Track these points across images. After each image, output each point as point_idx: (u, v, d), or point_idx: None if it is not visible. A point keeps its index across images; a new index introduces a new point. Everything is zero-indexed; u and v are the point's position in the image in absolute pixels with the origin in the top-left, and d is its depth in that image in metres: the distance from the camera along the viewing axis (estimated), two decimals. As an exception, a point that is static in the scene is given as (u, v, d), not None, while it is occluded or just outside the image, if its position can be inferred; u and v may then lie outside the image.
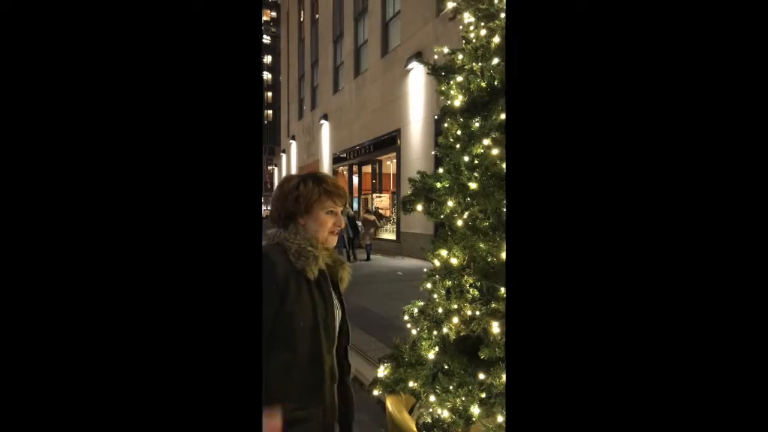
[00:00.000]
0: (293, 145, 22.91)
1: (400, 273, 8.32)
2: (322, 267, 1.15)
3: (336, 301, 1.22)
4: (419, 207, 1.87)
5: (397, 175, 11.95)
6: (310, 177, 1.22)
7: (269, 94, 52.85)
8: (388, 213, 13.89)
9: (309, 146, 19.93)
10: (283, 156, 26.02)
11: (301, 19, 21.52)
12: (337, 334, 1.21)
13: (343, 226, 1.26)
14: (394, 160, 12.23)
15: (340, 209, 1.22)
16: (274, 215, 1.23)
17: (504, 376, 1.51)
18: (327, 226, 1.19)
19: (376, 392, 1.97)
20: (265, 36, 53.52)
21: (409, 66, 10.64)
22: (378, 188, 14.48)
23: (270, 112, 52.19)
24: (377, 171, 14.37)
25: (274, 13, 51.76)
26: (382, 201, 14.34)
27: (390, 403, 1.90)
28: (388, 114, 12.13)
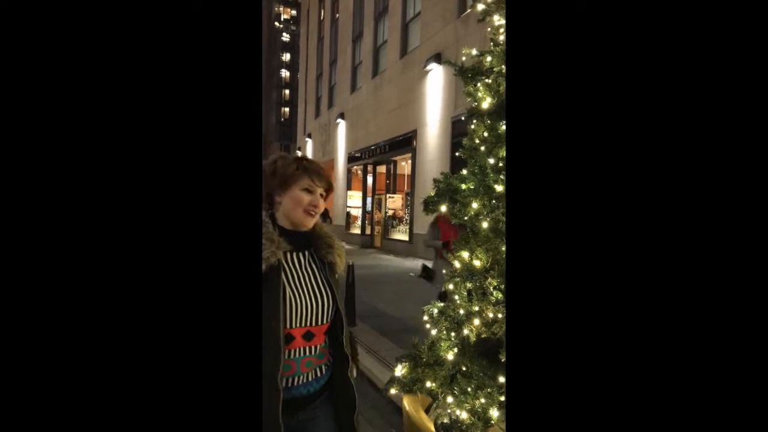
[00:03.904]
0: (309, 143, 23.03)
1: (412, 274, 8.31)
2: (271, 262, 1.07)
3: (321, 289, 1.16)
4: (443, 208, 1.87)
5: (412, 176, 11.94)
6: (291, 154, 1.19)
7: (287, 91, 53.17)
8: (401, 213, 13.89)
9: (325, 145, 20.02)
10: (299, 154, 26.17)
11: (321, 18, 21.62)
12: (318, 322, 1.14)
13: (320, 207, 1.17)
14: (409, 161, 12.22)
15: (318, 191, 1.16)
16: None
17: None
18: (302, 204, 1.14)
19: (393, 391, 1.98)
20: (284, 34, 53.86)
21: (428, 67, 10.62)
22: (392, 189, 14.49)
23: (287, 109, 52.50)
24: (392, 171, 14.37)
25: (294, 12, 52.08)
26: (395, 201, 14.34)
27: (407, 403, 1.91)
28: (404, 115, 12.13)
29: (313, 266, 1.18)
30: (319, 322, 1.14)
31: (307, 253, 1.19)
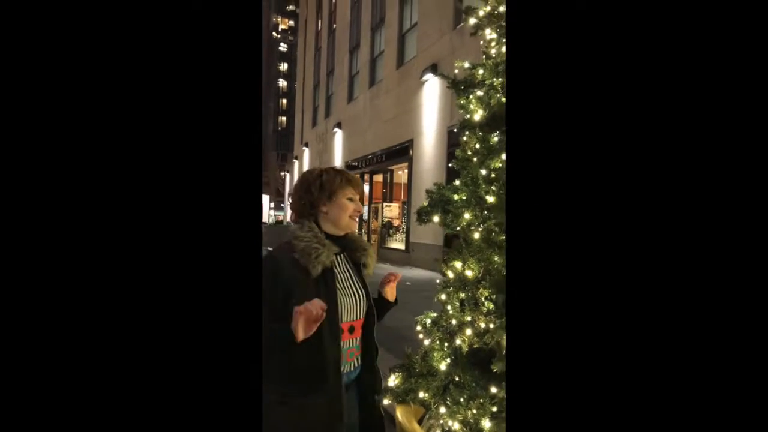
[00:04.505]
0: (306, 152, 23.07)
1: (408, 283, 8.29)
2: (326, 264, 1.20)
3: (359, 288, 1.31)
4: (436, 218, 1.88)
5: (408, 186, 11.97)
6: (330, 168, 1.35)
7: (284, 101, 53.36)
8: (397, 222, 13.91)
9: (322, 154, 20.06)
10: (296, 162, 26.19)
11: (319, 29, 21.79)
12: (357, 317, 1.29)
13: (362, 211, 1.36)
14: (406, 170, 12.26)
15: (357, 197, 1.33)
16: (296, 206, 1.32)
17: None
18: (348, 210, 1.29)
19: (386, 401, 1.98)
20: (282, 44, 54.17)
21: (424, 78, 10.71)
22: (389, 197, 14.51)
23: (284, 118, 52.66)
24: (388, 180, 14.40)
25: (291, 22, 52.45)
26: (391, 210, 14.37)
27: (400, 413, 1.90)
28: (401, 124, 12.19)
29: (349, 267, 1.33)
30: (358, 317, 1.30)
31: (343, 255, 1.33)
